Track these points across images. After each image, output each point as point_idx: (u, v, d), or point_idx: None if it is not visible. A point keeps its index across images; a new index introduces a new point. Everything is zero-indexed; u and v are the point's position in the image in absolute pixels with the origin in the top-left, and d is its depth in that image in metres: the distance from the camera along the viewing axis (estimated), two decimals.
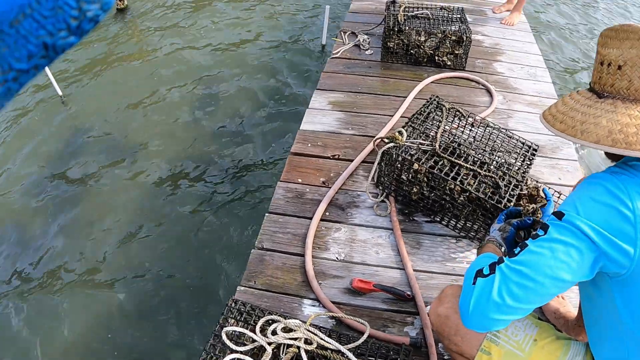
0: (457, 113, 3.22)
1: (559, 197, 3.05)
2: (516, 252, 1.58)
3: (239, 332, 2.15)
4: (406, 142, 2.88)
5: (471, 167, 2.79)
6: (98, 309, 3.36)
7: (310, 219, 2.97)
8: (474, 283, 1.60)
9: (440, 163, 2.81)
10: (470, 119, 3.23)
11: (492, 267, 1.60)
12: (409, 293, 2.58)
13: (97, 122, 5.01)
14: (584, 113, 1.59)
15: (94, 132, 4.88)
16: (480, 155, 2.97)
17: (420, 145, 2.89)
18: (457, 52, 4.49)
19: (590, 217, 1.48)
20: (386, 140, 2.93)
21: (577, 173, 3.47)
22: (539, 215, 2.20)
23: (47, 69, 5.17)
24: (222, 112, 5.11)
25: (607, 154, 1.72)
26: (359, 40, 4.92)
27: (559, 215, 1.54)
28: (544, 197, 2.55)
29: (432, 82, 4.39)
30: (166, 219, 3.94)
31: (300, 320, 2.19)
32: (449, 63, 4.56)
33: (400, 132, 2.90)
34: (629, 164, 1.56)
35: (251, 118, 5.02)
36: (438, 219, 2.99)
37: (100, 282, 3.52)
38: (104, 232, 3.85)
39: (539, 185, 2.82)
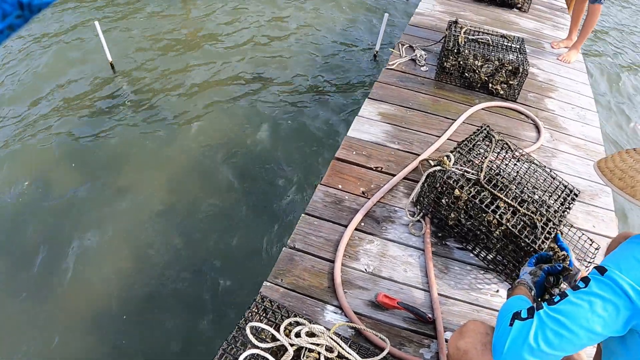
0: (505, 145, 3.23)
1: (590, 245, 3.05)
2: (555, 300, 1.62)
3: (263, 328, 2.18)
4: (452, 167, 2.90)
5: (511, 202, 2.80)
6: (122, 293, 3.42)
7: (346, 226, 3.01)
8: (511, 324, 1.64)
9: (482, 194, 2.83)
10: (517, 153, 3.24)
11: (531, 312, 1.65)
12: (430, 316, 2.61)
13: (141, 90, 5.07)
14: None
15: (136, 100, 4.94)
16: (520, 192, 2.98)
17: (465, 173, 2.91)
18: (511, 82, 4.49)
19: (631, 275, 1.52)
20: (432, 162, 2.96)
21: (611, 223, 3.47)
22: (567, 262, 2.22)
23: (99, 32, 5.23)
24: (269, 104, 5.17)
25: None
26: (415, 55, 4.93)
27: (601, 270, 1.59)
28: (558, 246, 2.57)
29: (482, 109, 4.40)
30: (200, 201, 3.99)
31: (325, 327, 2.23)
32: (501, 92, 4.56)
33: (448, 157, 2.92)
34: None
35: (298, 113, 5.08)
36: (470, 248, 3.01)
37: (128, 261, 3.58)
38: (131, 206, 3.91)
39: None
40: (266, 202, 4.05)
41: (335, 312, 2.59)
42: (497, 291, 2.84)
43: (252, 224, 3.87)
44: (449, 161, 2.90)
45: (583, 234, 3.14)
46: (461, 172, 2.91)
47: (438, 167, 2.88)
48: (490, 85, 4.54)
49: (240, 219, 3.89)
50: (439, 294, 2.76)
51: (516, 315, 1.66)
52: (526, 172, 3.18)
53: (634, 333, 1.59)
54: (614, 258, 1.61)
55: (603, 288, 1.55)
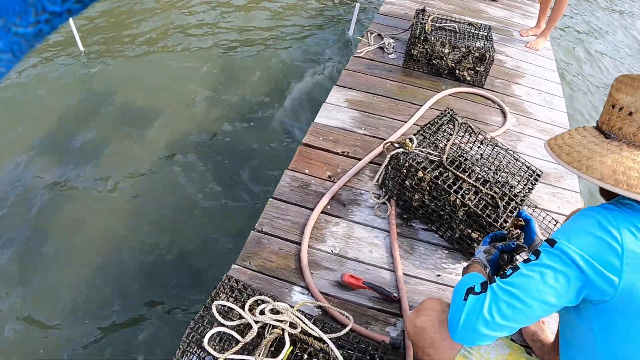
0: (469, 129, 3.29)
1: (555, 225, 3.12)
2: (508, 273, 1.67)
3: (229, 307, 2.23)
4: (415, 149, 2.95)
5: (474, 183, 2.86)
6: (94, 277, 3.44)
7: (312, 209, 3.05)
8: (465, 299, 1.69)
9: (444, 175, 2.89)
10: (480, 136, 3.30)
11: (484, 286, 1.69)
12: (395, 295, 2.66)
13: (112, 83, 5.07)
14: (590, 150, 1.68)
15: (107, 93, 4.94)
16: (484, 173, 3.04)
17: (428, 155, 2.96)
18: (478, 68, 4.55)
19: (580, 246, 1.57)
20: (396, 145, 3.01)
21: (577, 204, 3.53)
22: (521, 240, 2.27)
23: (71, 22, 5.22)
24: (239, 93, 5.18)
25: (601, 190, 1.83)
26: (384, 42, 4.98)
27: (551, 242, 1.64)
28: (522, 220, 2.64)
29: (449, 95, 4.46)
30: (171, 191, 4.01)
31: (289, 305, 2.28)
32: (468, 78, 4.63)
33: (410, 139, 2.98)
34: (622, 202, 1.65)
35: (267, 102, 5.09)
36: (434, 229, 3.06)
37: (101, 247, 3.60)
38: (102, 197, 3.93)
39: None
40: (235, 188, 4.08)
41: (302, 293, 2.63)
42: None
43: (220, 210, 3.90)
44: (412, 143, 2.95)
45: (548, 214, 3.20)
46: (424, 154, 2.96)
47: (401, 150, 2.93)
48: (457, 71, 4.60)
49: (209, 206, 3.91)
50: (404, 274, 2.81)
51: (470, 290, 1.70)
52: (490, 154, 3.24)
53: (586, 302, 1.63)
54: (564, 230, 1.67)
55: (553, 259, 1.60)
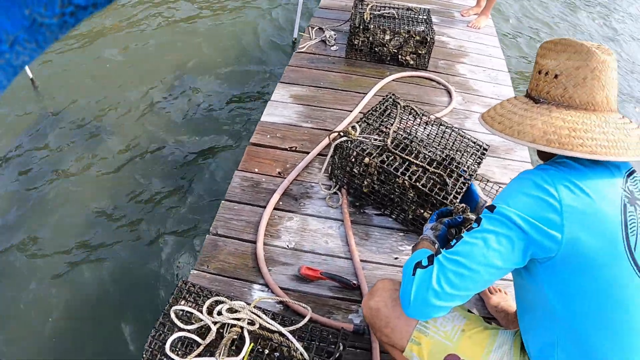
0: (412, 111, 3.32)
1: None
2: (452, 244, 1.71)
3: (187, 311, 2.23)
4: (359, 136, 2.97)
5: (420, 163, 2.89)
6: (49, 290, 3.40)
7: (264, 207, 3.05)
8: (413, 274, 1.71)
9: (391, 158, 2.91)
10: (425, 118, 3.33)
11: (430, 259, 1.72)
12: (355, 282, 2.67)
13: (64, 105, 5.02)
14: (521, 115, 1.74)
15: (61, 117, 4.90)
16: (430, 153, 3.07)
17: (372, 141, 2.98)
18: (420, 52, 4.59)
19: (519, 207, 1.61)
20: (340, 135, 3.03)
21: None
22: (468, 213, 2.30)
23: None
24: (189, 100, 5.14)
25: (539, 154, 1.88)
26: (325, 36, 4.99)
27: (491, 208, 1.68)
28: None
29: (393, 80, 4.48)
30: (123, 202, 3.98)
31: (246, 303, 2.28)
32: (411, 62, 4.66)
33: (353, 127, 2.99)
34: (557, 161, 1.70)
35: (216, 108, 5.06)
36: (388, 213, 3.09)
37: (58, 263, 3.56)
38: (52, 210, 3.89)
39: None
40: (189, 195, 4.05)
41: (262, 290, 2.63)
42: None
43: (175, 218, 3.87)
44: (355, 131, 2.97)
45: (500, 187, 3.24)
46: (368, 140, 2.98)
47: (344, 138, 2.95)
48: (400, 56, 4.63)
49: (163, 215, 3.88)
50: (362, 260, 2.82)
51: (418, 265, 1.73)
52: (436, 134, 3.28)
53: (534, 262, 1.67)
54: (502, 195, 1.71)
55: (494, 223, 1.64)
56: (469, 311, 2.02)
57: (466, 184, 2.85)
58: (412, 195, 2.85)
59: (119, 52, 5.86)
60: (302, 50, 4.81)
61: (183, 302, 2.29)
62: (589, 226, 1.57)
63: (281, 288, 2.64)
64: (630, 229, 1.58)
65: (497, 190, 3.22)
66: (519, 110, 1.76)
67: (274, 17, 7.02)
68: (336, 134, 3.05)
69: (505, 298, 2.68)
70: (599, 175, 1.63)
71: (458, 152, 3.17)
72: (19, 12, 0.41)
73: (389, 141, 2.97)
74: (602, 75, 1.65)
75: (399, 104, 3.30)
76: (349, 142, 2.95)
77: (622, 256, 1.57)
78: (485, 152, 3.18)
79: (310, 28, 5.16)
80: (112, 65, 5.61)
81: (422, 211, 2.88)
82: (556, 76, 1.69)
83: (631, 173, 1.73)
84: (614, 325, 1.61)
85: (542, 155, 1.90)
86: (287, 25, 6.74)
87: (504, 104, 1.86)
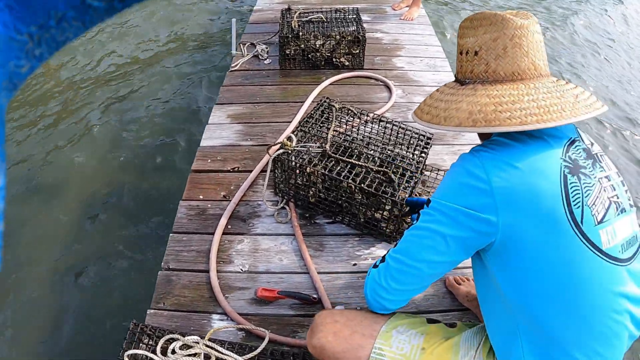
0: (349, 111, 3.25)
1: None
2: (398, 241, 1.74)
3: (140, 354, 2.13)
4: (296, 147, 2.89)
5: (363, 164, 2.82)
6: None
7: (213, 234, 2.95)
8: (369, 274, 1.84)
9: (332, 164, 2.84)
10: (363, 116, 3.27)
11: (384, 258, 1.80)
12: (314, 296, 2.59)
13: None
14: (447, 101, 1.69)
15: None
16: (373, 152, 3.01)
17: (310, 149, 2.91)
18: (354, 51, 4.53)
19: (450, 198, 1.60)
20: (276, 148, 2.95)
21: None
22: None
23: None
24: (125, 134, 5.00)
25: (479, 135, 1.83)
26: (257, 50, 4.90)
27: (428, 202, 1.68)
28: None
29: (330, 84, 4.41)
30: (69, 250, 3.85)
31: (199, 337, 2.19)
32: (347, 63, 4.59)
33: (289, 138, 2.91)
34: (493, 140, 1.65)
35: (155, 140, 4.92)
36: (339, 219, 3.01)
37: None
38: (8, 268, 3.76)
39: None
40: (138, 233, 3.95)
41: (221, 320, 2.53)
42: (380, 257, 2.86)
43: (126, 259, 3.77)
44: (291, 142, 2.89)
45: None
46: (305, 149, 2.90)
47: (281, 151, 2.87)
48: (334, 59, 4.56)
49: (114, 257, 3.77)
50: (319, 272, 2.74)
51: (374, 266, 1.84)
52: (377, 132, 3.22)
53: (481, 252, 1.65)
54: (440, 187, 1.69)
55: (427, 219, 1.65)
56: (430, 321, 1.96)
57: (413, 177, 2.80)
58: (360, 198, 2.78)
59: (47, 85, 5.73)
60: (235, 68, 4.70)
61: (135, 345, 2.20)
62: (523, 206, 1.51)
63: (241, 314, 2.54)
64: (574, 201, 1.51)
65: None
66: (445, 96, 1.71)
67: (210, 36, 6.94)
68: (273, 147, 2.98)
69: (474, 286, 2.62)
70: (533, 149, 1.57)
71: (402, 146, 3.11)
72: None
73: (327, 146, 2.89)
74: (522, 41, 1.59)
75: (333, 106, 3.23)
76: (286, 154, 2.87)
77: (567, 232, 1.50)
78: (429, 141, 3.12)
79: (241, 45, 5.06)
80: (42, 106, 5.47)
81: (372, 212, 2.81)
82: (476, 53, 1.63)
83: (573, 142, 1.64)
84: (575, 306, 1.53)
85: (481, 137, 1.86)
86: (224, 46, 6.65)
87: (433, 93, 1.81)
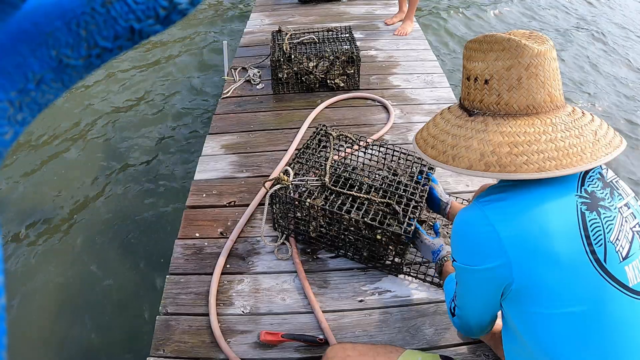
0: (348, 139, 3.12)
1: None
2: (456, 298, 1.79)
3: None
4: (293, 181, 2.76)
5: (365, 196, 2.70)
6: None
7: (211, 274, 2.82)
8: (453, 315, 1.84)
9: (333, 196, 2.72)
10: (362, 142, 3.14)
11: (453, 311, 1.83)
12: (320, 337, 2.45)
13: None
14: (454, 135, 1.55)
15: None
16: (374, 182, 2.89)
17: (308, 183, 2.78)
18: (349, 72, 4.41)
19: (466, 260, 1.58)
20: (272, 183, 2.82)
21: (485, 180, 3.41)
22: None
23: None
24: (117, 170, 4.86)
25: None
26: (249, 75, 4.77)
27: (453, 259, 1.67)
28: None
29: (326, 108, 4.28)
30: (61, 295, 3.72)
31: None
32: (342, 85, 4.47)
33: (286, 172, 2.78)
34: (499, 186, 1.54)
35: (147, 175, 4.78)
36: (342, 253, 2.88)
37: None
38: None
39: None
40: (134, 275, 3.82)
41: None
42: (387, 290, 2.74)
43: (121, 302, 3.64)
44: (288, 176, 2.76)
45: (457, 197, 3.07)
46: (303, 183, 2.78)
47: (278, 186, 2.74)
48: (328, 81, 4.44)
49: (110, 301, 3.64)
50: (324, 311, 2.61)
51: (451, 311, 1.86)
52: (378, 158, 3.11)
53: (504, 298, 1.58)
54: (454, 246, 1.66)
55: (459, 278, 1.69)
56: (443, 358, 1.95)
57: (418, 206, 2.68)
58: (366, 232, 2.65)
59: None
60: (227, 95, 4.57)
61: None
62: (538, 253, 1.41)
63: (243, 359, 2.41)
64: (595, 240, 1.40)
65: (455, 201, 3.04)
66: (452, 128, 1.56)
67: (203, 62, 6.82)
68: (270, 182, 2.85)
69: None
70: (545, 191, 1.45)
71: (405, 173, 2.99)
72: (46, 53, 0.43)
73: (326, 179, 2.77)
74: (539, 71, 1.44)
75: (331, 134, 3.10)
76: (283, 189, 2.74)
77: (590, 273, 1.39)
78: (432, 167, 3.00)
79: (232, 70, 4.93)
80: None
81: (376, 246, 2.69)
82: (486, 81, 1.48)
83: (586, 172, 1.52)
84: (606, 350, 1.43)
85: None
86: (217, 73, 6.52)
87: (436, 120, 1.67)
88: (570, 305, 1.41)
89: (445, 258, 2.37)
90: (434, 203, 2.77)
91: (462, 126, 1.54)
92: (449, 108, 1.68)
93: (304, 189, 2.77)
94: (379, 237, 2.61)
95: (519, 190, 1.47)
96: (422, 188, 2.81)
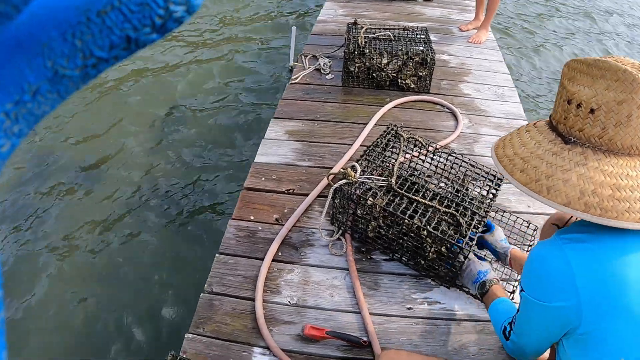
0: (417, 142, 3.06)
1: (527, 227, 2.90)
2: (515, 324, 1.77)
3: None
4: (359, 178, 2.71)
5: (430, 203, 2.63)
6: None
7: (262, 259, 2.79)
8: (507, 339, 1.82)
9: (397, 199, 2.66)
10: (431, 148, 3.08)
11: (508, 335, 1.82)
12: (365, 339, 2.40)
13: (59, 143, 4.80)
14: (549, 163, 1.43)
15: (57, 154, 4.68)
16: (439, 189, 2.82)
17: (374, 182, 2.72)
18: (421, 74, 4.34)
19: (538, 295, 1.53)
20: (340, 177, 2.77)
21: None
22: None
23: None
24: (183, 143, 4.88)
25: None
26: (319, 64, 4.74)
27: (521, 289, 1.65)
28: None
29: (394, 107, 4.22)
30: (111, 261, 3.73)
31: None
32: (412, 86, 4.40)
33: (353, 167, 2.73)
34: (580, 227, 1.47)
35: (211, 151, 4.78)
36: (397, 257, 2.82)
37: (47, 320, 3.33)
38: (50, 261, 3.66)
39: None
40: (182, 248, 3.81)
41: (263, 354, 2.37)
42: (437, 302, 2.67)
43: (168, 275, 3.62)
44: (355, 172, 2.70)
45: (518, 217, 2.98)
46: (370, 182, 2.72)
47: (344, 181, 2.68)
48: (399, 80, 4.37)
49: (156, 271, 3.63)
50: (372, 313, 2.55)
51: (504, 333, 1.85)
52: (444, 166, 3.04)
53: (566, 335, 1.55)
54: (526, 278, 1.63)
55: (523, 308, 1.65)
56: None
57: (482, 221, 2.61)
58: (426, 239, 2.58)
59: (102, 99, 5.61)
60: (295, 81, 4.55)
61: None
62: (611, 303, 1.37)
63: (284, 350, 2.37)
64: None
65: (514, 222, 2.95)
66: (546, 153, 1.46)
67: (269, 48, 6.79)
68: (334, 175, 2.80)
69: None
70: (630, 242, 1.38)
71: (471, 184, 2.92)
72: (42, 64, 0.43)
73: (393, 180, 2.71)
74: None
75: (402, 136, 3.04)
76: (349, 184, 2.69)
77: None
78: (500, 182, 2.93)
79: (303, 56, 4.90)
80: (101, 113, 5.37)
81: (438, 252, 2.62)
82: (592, 111, 1.37)
83: None
84: None
85: None
86: (280, 57, 6.49)
87: (523, 138, 1.56)
88: (637, 357, 1.37)
89: (492, 281, 2.27)
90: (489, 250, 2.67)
91: (557, 154, 1.44)
92: (535, 125, 1.58)
93: (367, 187, 2.71)
94: (438, 248, 2.56)
95: (603, 235, 1.39)
96: (488, 203, 2.74)
